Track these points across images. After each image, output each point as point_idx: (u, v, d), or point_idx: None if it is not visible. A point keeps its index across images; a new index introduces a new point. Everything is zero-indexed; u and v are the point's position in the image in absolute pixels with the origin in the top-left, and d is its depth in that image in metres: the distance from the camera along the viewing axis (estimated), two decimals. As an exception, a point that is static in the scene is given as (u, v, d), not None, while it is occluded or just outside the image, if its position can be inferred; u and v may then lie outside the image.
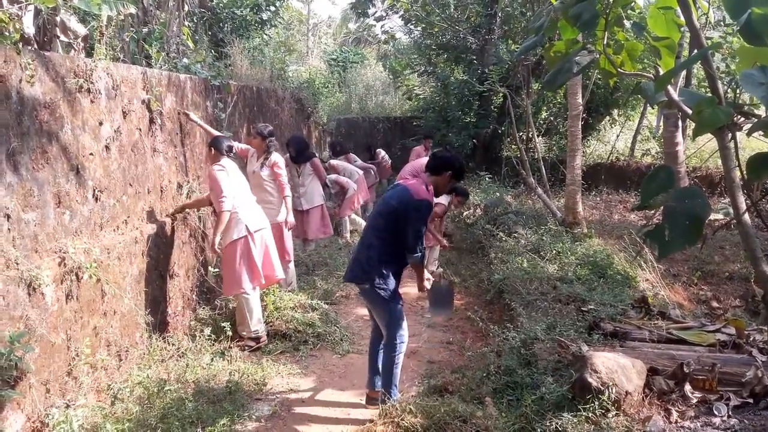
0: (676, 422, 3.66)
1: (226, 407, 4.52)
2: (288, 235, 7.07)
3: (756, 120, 1.92)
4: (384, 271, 4.48)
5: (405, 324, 4.65)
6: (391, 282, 4.52)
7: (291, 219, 6.91)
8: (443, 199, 7.86)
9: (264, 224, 5.96)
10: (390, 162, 13.35)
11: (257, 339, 5.82)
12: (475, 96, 14.65)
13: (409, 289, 6.82)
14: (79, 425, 3.88)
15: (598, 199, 13.00)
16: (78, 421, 3.88)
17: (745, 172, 1.92)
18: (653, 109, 14.73)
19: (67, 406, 3.96)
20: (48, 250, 3.92)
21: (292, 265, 7.28)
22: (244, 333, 5.85)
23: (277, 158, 6.83)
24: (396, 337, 4.58)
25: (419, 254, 4.43)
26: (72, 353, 4.13)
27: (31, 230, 3.76)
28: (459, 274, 8.36)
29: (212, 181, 5.65)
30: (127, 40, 6.57)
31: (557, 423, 3.71)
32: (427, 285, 4.77)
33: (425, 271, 4.81)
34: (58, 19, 4.58)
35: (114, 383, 4.51)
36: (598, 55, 2.50)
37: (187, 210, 6.09)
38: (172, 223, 5.81)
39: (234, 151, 5.96)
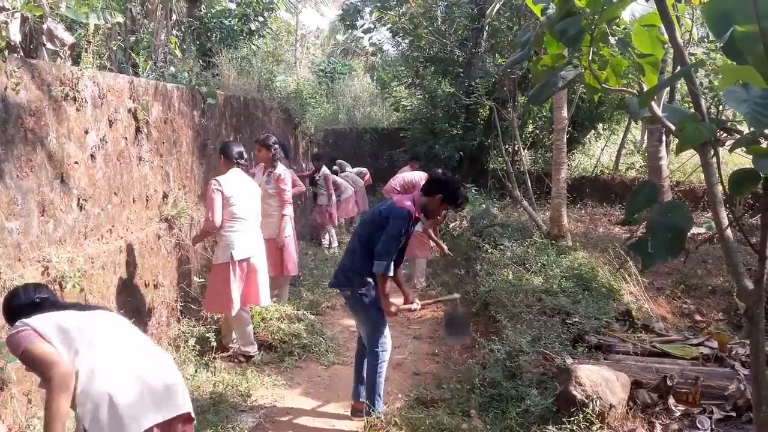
0: (660, 435, 3.68)
1: (210, 419, 4.47)
2: (291, 249, 6.98)
3: (738, 136, 1.94)
4: (366, 279, 4.48)
5: (387, 332, 4.63)
6: (374, 290, 4.51)
7: (281, 239, 6.73)
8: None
9: (253, 252, 5.70)
10: (367, 173, 13.15)
11: (248, 358, 5.75)
12: (462, 108, 14.72)
13: (394, 300, 6.80)
14: (60, 436, 3.83)
15: (582, 212, 13.07)
16: None
17: (727, 187, 1.94)
18: (637, 123, 14.87)
19: (48, 417, 3.91)
20: (31, 259, 3.89)
21: (287, 283, 7.21)
22: (230, 345, 5.81)
23: (282, 171, 6.71)
24: (378, 345, 4.57)
25: (382, 262, 4.32)
26: (54, 363, 4.08)
27: (15, 239, 3.73)
28: (445, 285, 8.36)
29: (208, 198, 5.50)
30: (115, 48, 6.57)
31: (542, 436, 3.72)
32: (393, 309, 4.56)
33: (411, 294, 4.82)
34: (44, 27, 4.56)
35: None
36: (583, 71, 2.53)
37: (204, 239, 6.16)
38: (157, 233, 5.78)
39: (245, 157, 5.78)
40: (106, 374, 2.58)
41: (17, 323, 2.65)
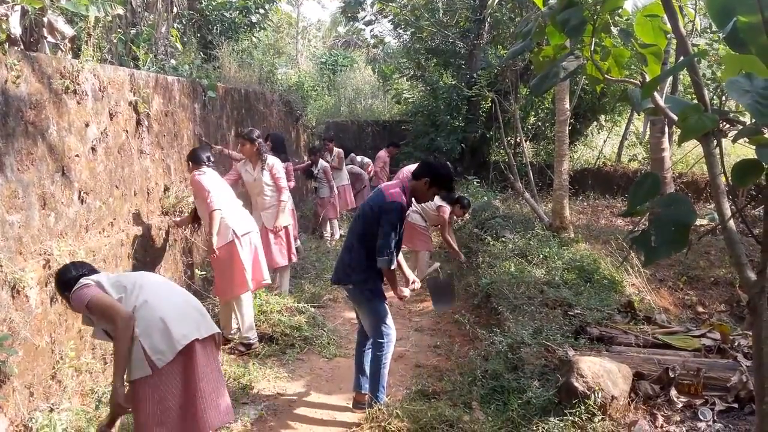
0: (662, 427, 3.68)
1: (212, 411, 4.47)
2: (291, 238, 7.10)
3: (741, 127, 1.93)
4: (366, 272, 4.47)
5: (391, 323, 4.63)
6: (374, 282, 4.50)
7: (281, 223, 6.79)
8: (447, 208, 7.89)
9: (251, 228, 5.86)
10: (370, 164, 13.23)
11: (248, 345, 5.77)
12: (464, 100, 14.68)
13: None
14: (63, 429, 3.84)
15: (585, 203, 13.05)
16: (62, 425, 3.84)
17: (730, 178, 1.93)
18: (640, 115, 14.83)
19: (51, 410, 3.92)
20: (32, 252, 3.89)
21: (288, 272, 7.25)
22: (230, 336, 5.82)
23: (273, 160, 6.74)
24: (382, 336, 4.57)
25: (385, 258, 4.32)
26: (56, 356, 4.09)
27: (16, 232, 3.73)
28: (447, 278, 8.34)
29: (195, 186, 5.59)
30: (115, 41, 6.54)
31: (544, 427, 3.73)
32: (406, 293, 4.71)
33: (410, 273, 4.89)
34: (45, 19, 4.55)
35: (98, 387, 4.47)
36: (585, 61, 2.51)
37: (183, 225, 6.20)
38: (159, 226, 5.78)
39: (213, 160, 5.86)
40: (156, 304, 3.32)
41: (81, 280, 3.31)
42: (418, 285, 4.87)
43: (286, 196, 6.79)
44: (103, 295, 3.25)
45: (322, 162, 10.39)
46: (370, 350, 4.69)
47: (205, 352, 3.39)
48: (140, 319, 3.23)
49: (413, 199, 4.61)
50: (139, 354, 3.19)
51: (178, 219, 6.12)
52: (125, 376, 3.25)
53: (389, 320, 4.62)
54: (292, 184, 8.20)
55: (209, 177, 5.63)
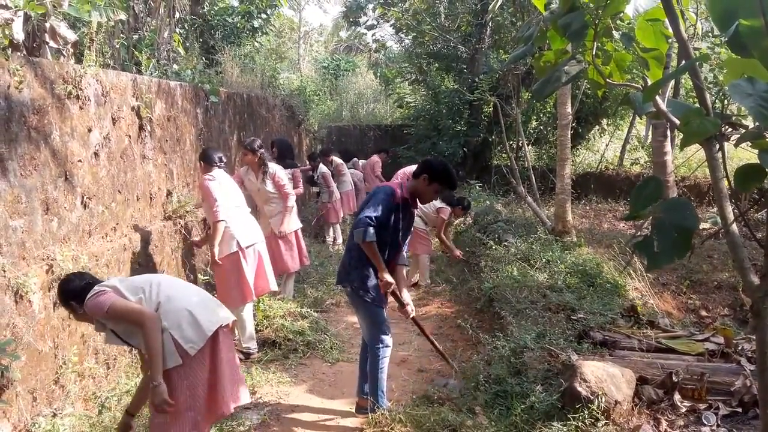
0: (666, 431, 3.67)
1: (215, 416, 4.47)
2: (302, 242, 7.16)
3: (744, 131, 1.93)
4: (365, 274, 4.44)
5: (387, 329, 4.60)
6: (373, 285, 4.46)
7: (284, 229, 6.83)
8: (447, 209, 7.91)
9: (257, 238, 5.82)
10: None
11: (248, 355, 5.76)
12: (466, 105, 14.70)
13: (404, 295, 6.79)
14: (66, 434, 3.84)
15: (587, 207, 13.04)
16: (65, 430, 3.84)
17: (732, 183, 1.93)
18: (642, 119, 14.82)
19: (54, 415, 3.92)
20: (35, 257, 3.89)
21: (292, 278, 7.27)
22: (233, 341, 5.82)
23: (276, 168, 6.76)
24: (378, 341, 4.54)
25: (360, 229, 4.21)
26: (59, 361, 4.09)
27: (19, 237, 3.73)
28: (449, 282, 8.36)
29: (204, 192, 5.58)
30: (118, 46, 6.56)
31: (547, 432, 3.71)
32: (408, 302, 4.66)
33: (407, 296, 4.74)
34: (47, 25, 4.56)
35: (101, 392, 4.47)
36: (586, 66, 2.51)
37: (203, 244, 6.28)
38: (161, 231, 5.78)
39: (225, 161, 5.84)
40: (179, 298, 3.44)
41: (95, 288, 3.32)
42: (410, 312, 4.68)
43: (292, 202, 6.80)
44: (123, 300, 3.29)
45: (321, 167, 10.43)
46: (368, 355, 4.68)
47: (225, 338, 3.55)
48: (166, 313, 3.34)
49: (417, 201, 4.59)
50: (169, 346, 3.31)
51: (197, 239, 6.25)
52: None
53: (386, 327, 4.58)
54: (300, 190, 8.21)
55: (218, 183, 5.57)
